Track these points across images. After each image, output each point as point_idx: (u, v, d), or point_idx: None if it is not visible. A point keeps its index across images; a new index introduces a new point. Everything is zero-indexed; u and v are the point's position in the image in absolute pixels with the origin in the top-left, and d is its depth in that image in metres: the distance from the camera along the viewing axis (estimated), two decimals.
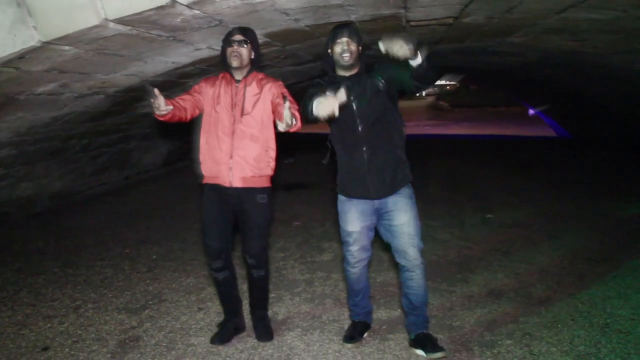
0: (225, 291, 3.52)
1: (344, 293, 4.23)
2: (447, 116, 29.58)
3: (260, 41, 4.85)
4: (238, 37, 3.14)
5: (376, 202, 3.16)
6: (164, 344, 3.45)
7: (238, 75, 3.24)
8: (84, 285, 4.49)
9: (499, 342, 3.39)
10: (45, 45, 3.14)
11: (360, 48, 3.06)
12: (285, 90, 3.28)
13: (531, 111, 20.52)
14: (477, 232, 5.88)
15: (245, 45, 3.16)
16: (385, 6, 3.90)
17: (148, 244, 5.65)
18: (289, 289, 4.34)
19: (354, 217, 3.22)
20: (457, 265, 4.81)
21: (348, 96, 2.84)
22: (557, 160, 11.42)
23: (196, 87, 3.30)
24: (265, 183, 3.34)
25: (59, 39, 3.10)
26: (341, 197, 3.27)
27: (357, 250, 3.31)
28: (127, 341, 3.50)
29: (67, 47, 3.31)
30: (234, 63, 3.15)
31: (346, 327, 3.62)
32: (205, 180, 3.34)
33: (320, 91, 2.86)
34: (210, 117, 3.25)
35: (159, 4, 2.88)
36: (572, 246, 5.26)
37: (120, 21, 3.06)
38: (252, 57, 3.25)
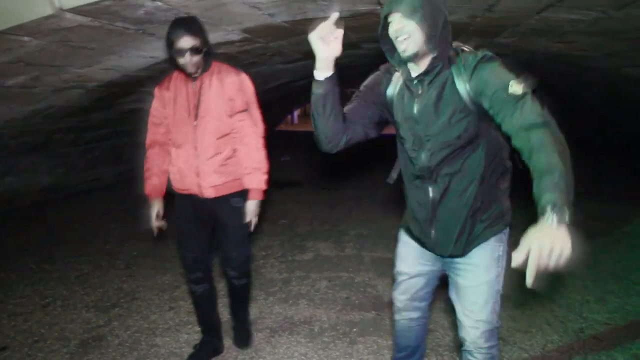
0: (204, 307, 3.20)
1: (319, 294, 4.16)
2: None
3: (239, 37, 4.81)
4: (188, 42, 2.63)
5: None
6: (128, 344, 3.38)
7: (194, 75, 2.81)
8: (57, 281, 4.42)
9: None
10: (1, 35, 3.06)
11: (428, 29, 1.86)
12: (252, 99, 2.93)
13: None
14: None
15: (199, 52, 2.68)
16: (361, 2, 3.79)
17: (131, 240, 5.59)
18: (265, 288, 4.26)
19: (409, 254, 2.34)
20: None
21: (410, 108, 2.03)
22: None
23: (155, 104, 2.92)
24: (240, 187, 2.97)
25: (15, 28, 3.00)
26: (402, 230, 2.41)
27: (403, 299, 2.43)
28: (90, 341, 3.43)
29: (26, 38, 3.22)
30: (190, 70, 2.71)
31: (317, 329, 3.53)
32: (175, 189, 3.01)
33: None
34: (172, 124, 2.89)
35: None
36: None
37: (76, 11, 2.96)
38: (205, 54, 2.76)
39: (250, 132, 2.92)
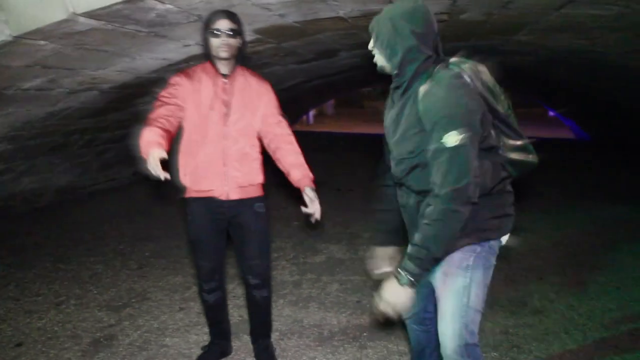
0: (215, 315, 3.15)
1: (330, 297, 4.13)
2: None
3: (250, 38, 4.82)
4: (226, 24, 2.62)
5: None
6: (138, 344, 3.39)
7: (224, 69, 2.72)
8: (71, 281, 4.46)
9: (484, 354, 3.21)
10: (18, 40, 3.10)
11: (387, 52, 2.00)
12: (279, 108, 2.90)
13: (551, 112, 20.12)
14: None
15: (235, 36, 2.66)
16: (371, 1, 3.77)
17: (144, 241, 5.62)
18: (275, 291, 4.23)
19: None
20: None
21: (386, 116, 2.14)
22: (573, 162, 11.12)
23: (170, 89, 2.69)
24: (260, 191, 2.92)
25: (30, 33, 3.04)
26: None
27: (409, 317, 2.47)
28: (101, 339, 3.45)
29: (42, 42, 3.27)
30: (224, 54, 2.64)
31: (326, 332, 3.52)
32: (190, 194, 2.84)
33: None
34: (192, 118, 2.71)
35: None
36: (577, 253, 5.06)
37: (89, 15, 2.99)
38: (240, 45, 2.74)
39: (288, 137, 2.89)
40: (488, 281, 2.11)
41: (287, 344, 3.39)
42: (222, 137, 2.72)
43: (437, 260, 1.92)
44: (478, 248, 2.04)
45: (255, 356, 3.19)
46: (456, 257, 2.04)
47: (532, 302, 3.98)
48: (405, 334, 3.46)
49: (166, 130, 2.51)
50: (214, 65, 2.73)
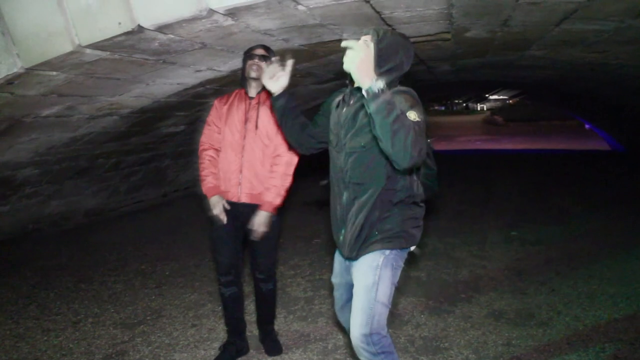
0: (231, 309, 3.45)
1: None
2: (501, 131, 28.90)
3: None
4: (260, 51, 3.23)
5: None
6: (147, 359, 3.52)
7: (252, 91, 3.29)
8: (91, 300, 4.64)
9: None
10: (30, 71, 3.31)
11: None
12: None
13: (587, 125, 19.83)
14: (496, 250, 5.70)
15: (265, 61, 3.15)
16: (370, 24, 3.87)
17: (165, 260, 5.77)
18: (287, 306, 4.33)
19: (336, 266, 2.65)
20: (464, 284, 4.67)
21: (341, 110, 2.41)
22: (602, 175, 10.93)
23: (213, 111, 3.37)
24: None
25: (41, 65, 3.25)
26: None
27: (338, 310, 2.75)
28: (113, 355, 3.58)
29: (53, 73, 3.48)
30: (253, 74, 3.19)
31: (330, 346, 3.59)
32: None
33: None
34: (224, 132, 3.31)
35: (126, 30, 2.98)
36: (592, 266, 5.00)
37: (95, 47, 3.18)
38: None
39: (282, 159, 3.28)
40: (395, 280, 2.39)
41: (291, 357, 3.47)
42: (242, 149, 3.24)
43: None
44: (387, 252, 2.34)
45: (260, 340, 3.61)
46: (368, 258, 2.34)
47: (540, 314, 3.97)
48: (406, 346, 3.53)
49: (217, 150, 3.35)
50: (245, 88, 3.31)
